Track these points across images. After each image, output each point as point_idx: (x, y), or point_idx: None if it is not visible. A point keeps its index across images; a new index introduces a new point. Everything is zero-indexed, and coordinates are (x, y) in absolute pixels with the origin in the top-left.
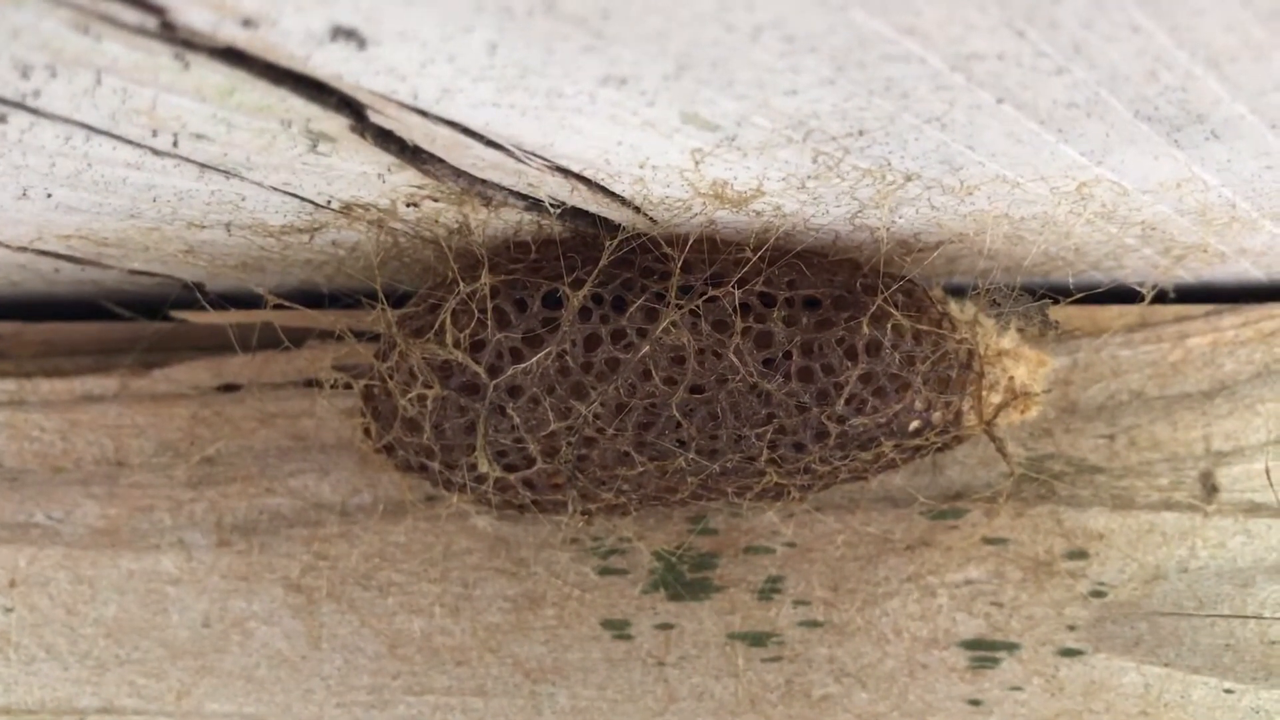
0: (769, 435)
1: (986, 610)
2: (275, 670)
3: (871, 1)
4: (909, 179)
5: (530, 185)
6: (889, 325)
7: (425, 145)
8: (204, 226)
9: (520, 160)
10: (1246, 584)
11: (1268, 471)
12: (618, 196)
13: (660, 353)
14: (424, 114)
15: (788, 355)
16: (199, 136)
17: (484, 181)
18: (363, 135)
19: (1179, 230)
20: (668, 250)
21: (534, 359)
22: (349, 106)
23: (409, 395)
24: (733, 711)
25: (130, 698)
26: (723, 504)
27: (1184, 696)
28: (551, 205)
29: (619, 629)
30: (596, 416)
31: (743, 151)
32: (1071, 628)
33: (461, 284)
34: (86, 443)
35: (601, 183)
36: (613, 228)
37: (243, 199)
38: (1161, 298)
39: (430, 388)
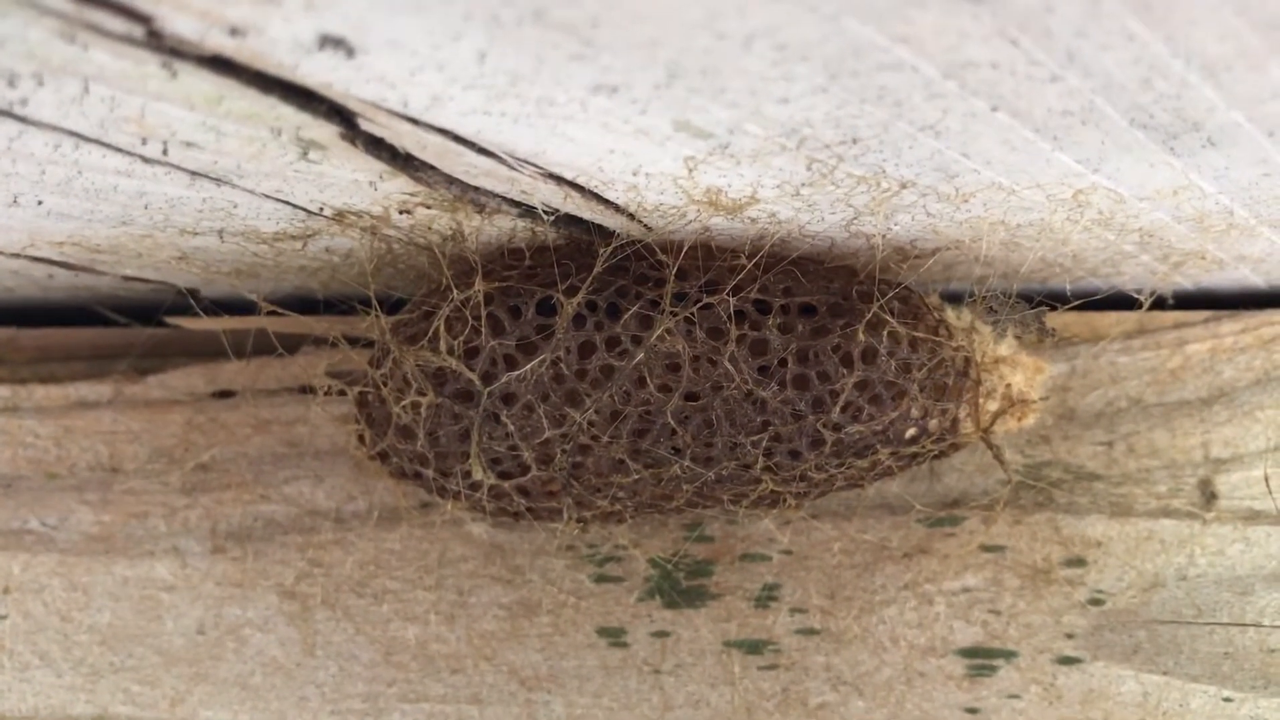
0: (764, 443)
1: (984, 618)
2: (270, 677)
3: (864, 9)
4: (904, 186)
5: (523, 192)
6: (885, 332)
7: (417, 153)
8: (196, 233)
9: (512, 168)
10: (1245, 592)
11: (1267, 479)
12: (611, 204)
13: (655, 360)
14: (414, 121)
15: (783, 362)
16: (189, 144)
17: (477, 189)
18: (353, 143)
19: (1177, 237)
20: (662, 257)
21: (528, 366)
22: (339, 114)
23: (403, 402)
24: (729, 719)
25: (124, 705)
26: (718, 511)
27: (1183, 705)
28: (545, 212)
29: (615, 636)
30: (591, 424)
31: (736, 159)
32: (1069, 636)
33: (455, 291)
34: (81, 449)
35: (595, 190)
36: (607, 235)
37: (235, 206)
38: (1160, 304)
39: (424, 395)
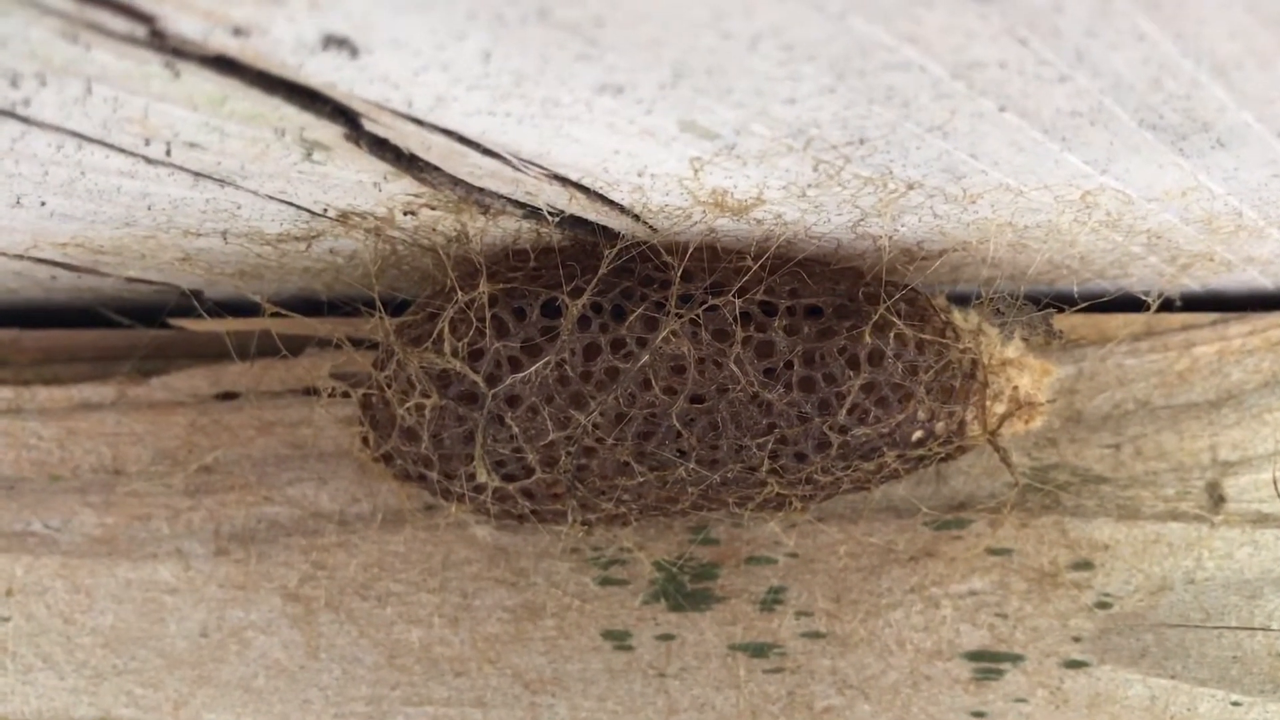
0: (770, 445)
1: (990, 621)
2: (273, 680)
3: (871, 9)
4: (911, 187)
5: (528, 193)
6: (892, 334)
7: (421, 153)
8: (200, 234)
9: (517, 168)
10: (1254, 595)
11: (1275, 482)
12: (616, 205)
13: (660, 362)
14: (419, 122)
15: (789, 364)
16: (192, 145)
17: (481, 190)
18: (358, 143)
19: (1185, 239)
20: (668, 258)
21: (533, 368)
22: (343, 115)
23: (407, 404)
24: None
25: (127, 708)
26: (724, 514)
27: (1190, 709)
28: (550, 213)
29: (619, 640)
30: (596, 426)
31: (742, 160)
32: (1076, 639)
33: (460, 292)
34: (84, 451)
35: (600, 191)
36: (612, 236)
37: (238, 207)
38: (1168, 306)
39: (428, 397)
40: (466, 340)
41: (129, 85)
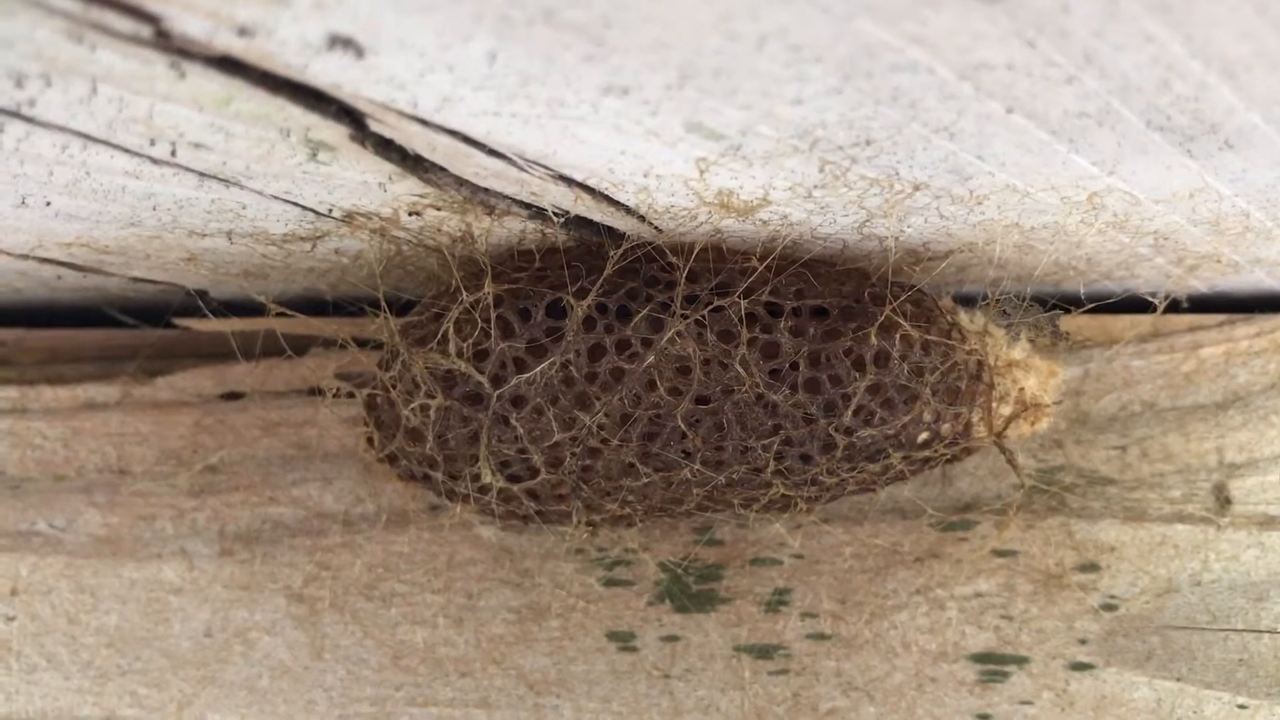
0: (775, 447)
1: (996, 623)
2: (277, 681)
3: (878, 10)
4: (917, 188)
5: (533, 194)
6: (897, 336)
7: (426, 154)
8: (205, 234)
9: (522, 169)
10: (1260, 598)
11: None
12: (622, 205)
13: (665, 363)
14: (424, 123)
15: (794, 366)
16: (197, 145)
17: (486, 190)
18: (363, 144)
19: (1192, 240)
20: (673, 259)
21: (538, 369)
22: (348, 115)
23: (412, 405)
24: None
25: (131, 708)
26: (729, 515)
27: (1196, 712)
28: (555, 214)
29: (624, 641)
30: (601, 427)
31: (748, 161)
32: (1082, 641)
33: (465, 293)
34: (89, 451)
35: (605, 192)
36: (617, 237)
37: (243, 207)
38: (1175, 307)
39: (433, 397)
40: (471, 341)
41: (134, 85)
